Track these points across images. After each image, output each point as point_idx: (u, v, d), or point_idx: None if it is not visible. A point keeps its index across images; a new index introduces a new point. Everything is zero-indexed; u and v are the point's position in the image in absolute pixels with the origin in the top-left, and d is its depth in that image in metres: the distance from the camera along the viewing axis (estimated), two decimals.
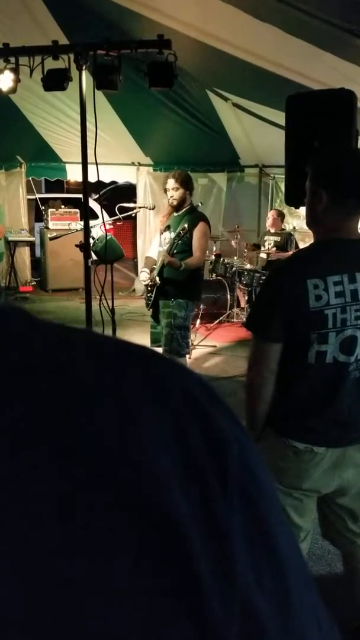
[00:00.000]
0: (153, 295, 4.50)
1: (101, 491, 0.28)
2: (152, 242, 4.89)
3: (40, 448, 0.28)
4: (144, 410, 0.31)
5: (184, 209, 4.44)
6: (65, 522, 0.27)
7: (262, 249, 7.93)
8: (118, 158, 9.13)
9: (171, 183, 4.36)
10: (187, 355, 4.74)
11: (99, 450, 0.29)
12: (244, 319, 7.13)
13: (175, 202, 4.41)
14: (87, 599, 0.26)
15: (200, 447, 0.32)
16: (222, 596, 0.29)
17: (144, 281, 4.59)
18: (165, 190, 4.44)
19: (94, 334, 0.36)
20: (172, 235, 4.40)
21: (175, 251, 4.35)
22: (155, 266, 4.49)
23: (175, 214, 4.47)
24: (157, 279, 4.41)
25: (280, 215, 8.00)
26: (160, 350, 4.51)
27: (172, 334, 4.42)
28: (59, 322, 0.36)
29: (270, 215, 8.06)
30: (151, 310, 4.62)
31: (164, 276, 4.39)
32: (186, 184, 4.36)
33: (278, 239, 7.82)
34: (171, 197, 4.40)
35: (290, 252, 7.13)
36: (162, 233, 4.56)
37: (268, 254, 7.77)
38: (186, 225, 4.30)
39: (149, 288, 4.55)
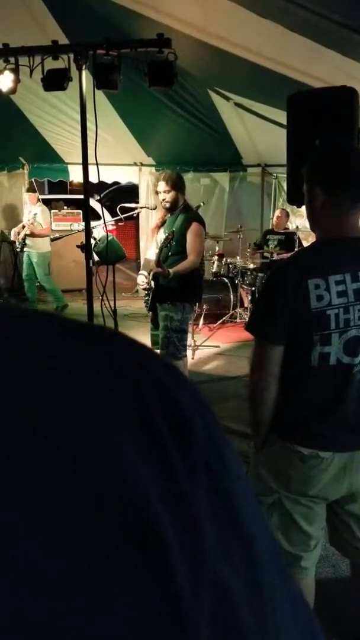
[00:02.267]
0: (150, 299, 4.46)
1: (64, 471, 0.27)
2: (151, 243, 4.85)
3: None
4: (104, 391, 0.31)
5: (178, 209, 4.37)
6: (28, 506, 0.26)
7: (266, 248, 7.90)
8: (120, 158, 9.12)
9: (162, 186, 4.29)
10: (185, 358, 4.70)
11: (60, 431, 0.28)
12: (247, 319, 7.11)
13: (167, 205, 4.34)
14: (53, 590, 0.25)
15: (165, 425, 0.31)
16: (192, 577, 0.28)
17: (140, 284, 4.55)
18: (157, 192, 4.38)
19: (51, 316, 0.36)
20: (164, 235, 4.36)
21: (170, 253, 4.31)
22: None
23: (169, 215, 4.42)
24: (152, 282, 4.36)
25: (287, 215, 8.00)
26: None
27: (168, 337, 4.36)
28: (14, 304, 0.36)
29: (278, 213, 8.05)
30: (151, 313, 4.58)
31: (160, 280, 4.34)
32: (177, 185, 4.29)
33: (282, 237, 7.82)
34: (163, 200, 4.34)
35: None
36: (157, 233, 4.52)
37: (271, 254, 7.75)
38: (173, 231, 4.25)
39: (146, 291, 4.52)
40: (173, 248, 4.29)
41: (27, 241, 8.35)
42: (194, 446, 0.32)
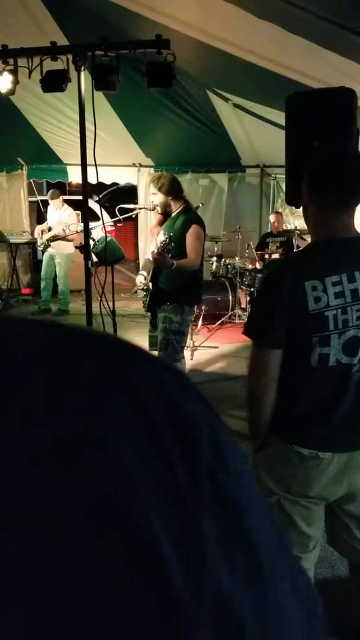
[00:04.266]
0: (148, 299, 4.44)
1: (66, 484, 0.27)
2: (151, 245, 4.84)
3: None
4: (109, 402, 0.31)
5: (177, 211, 4.35)
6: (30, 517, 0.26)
7: (266, 249, 7.92)
8: (119, 159, 9.13)
9: (151, 188, 4.35)
10: (183, 359, 4.68)
11: (62, 445, 0.28)
12: (245, 323, 7.11)
13: (159, 210, 4.36)
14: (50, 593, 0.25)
15: (170, 436, 0.31)
16: (194, 588, 0.28)
17: (139, 284, 4.55)
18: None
19: (48, 323, 0.36)
20: (165, 237, 4.34)
21: (170, 256, 4.30)
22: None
23: (170, 217, 4.42)
24: (150, 284, 4.35)
25: (280, 216, 8.04)
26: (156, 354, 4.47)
27: (167, 339, 4.33)
28: (18, 315, 0.36)
29: (272, 219, 8.09)
30: (150, 314, 4.55)
31: (160, 280, 4.32)
32: (165, 188, 4.26)
33: (283, 239, 7.84)
34: (152, 201, 4.37)
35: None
36: (158, 234, 4.52)
37: (270, 254, 7.76)
38: (170, 235, 4.25)
39: (145, 292, 4.50)
40: (172, 250, 4.28)
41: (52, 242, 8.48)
42: (199, 456, 0.32)
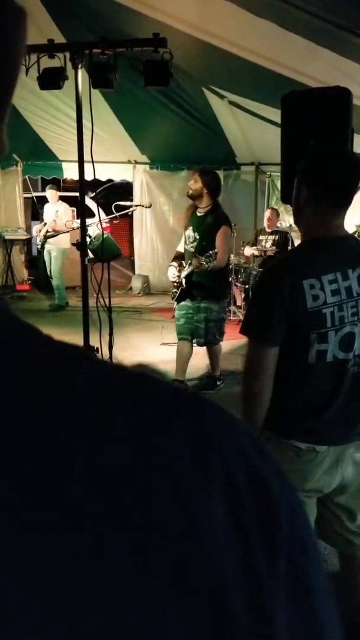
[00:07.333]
0: (178, 293, 4.80)
1: (155, 546, 0.28)
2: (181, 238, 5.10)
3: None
4: (195, 472, 0.31)
5: (206, 209, 4.66)
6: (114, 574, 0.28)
7: (260, 247, 7.92)
8: (114, 156, 9.12)
9: (195, 176, 4.68)
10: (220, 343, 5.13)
11: (150, 508, 0.29)
12: (241, 317, 7.12)
13: (190, 192, 4.68)
14: None
15: (252, 513, 0.32)
16: None
17: (172, 277, 4.75)
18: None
19: (137, 377, 0.35)
20: (195, 234, 4.66)
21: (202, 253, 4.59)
22: (184, 262, 4.77)
23: (198, 213, 4.69)
24: (184, 281, 4.68)
25: (276, 213, 8.03)
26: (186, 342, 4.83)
27: (207, 327, 4.81)
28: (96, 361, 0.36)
29: (268, 214, 8.07)
30: (175, 303, 4.90)
31: (194, 280, 4.66)
32: (206, 180, 4.59)
33: (276, 237, 7.83)
34: (189, 186, 4.69)
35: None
36: (186, 230, 4.81)
37: (265, 252, 7.77)
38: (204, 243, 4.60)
39: (175, 284, 4.84)
40: (205, 248, 4.58)
41: (49, 238, 8.63)
42: (278, 538, 0.32)
